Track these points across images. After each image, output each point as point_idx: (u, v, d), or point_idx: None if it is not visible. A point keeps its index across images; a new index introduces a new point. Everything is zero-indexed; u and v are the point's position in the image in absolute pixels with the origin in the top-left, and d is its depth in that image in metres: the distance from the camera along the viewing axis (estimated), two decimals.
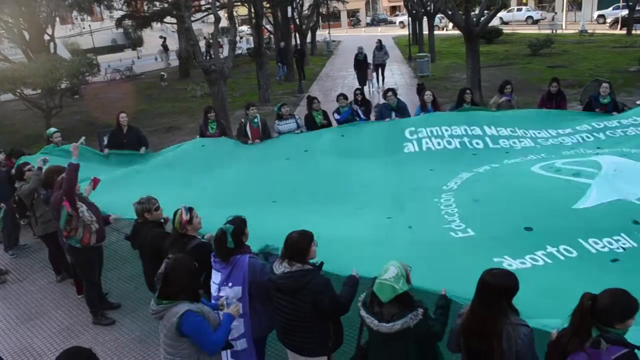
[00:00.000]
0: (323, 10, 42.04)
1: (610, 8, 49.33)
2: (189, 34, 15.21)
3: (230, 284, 4.52)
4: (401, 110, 10.24)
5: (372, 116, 11.23)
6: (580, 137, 8.91)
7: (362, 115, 10.65)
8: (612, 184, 6.60)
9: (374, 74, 22.19)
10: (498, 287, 3.42)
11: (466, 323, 3.55)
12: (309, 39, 36.52)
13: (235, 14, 17.16)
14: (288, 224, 5.07)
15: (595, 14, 52.24)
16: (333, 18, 62.60)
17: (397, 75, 25.87)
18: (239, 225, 4.53)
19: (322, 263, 4.39)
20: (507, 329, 3.36)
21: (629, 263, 5.11)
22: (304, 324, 4.28)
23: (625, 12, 40.64)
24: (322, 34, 45.48)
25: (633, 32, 37.68)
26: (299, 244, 4.22)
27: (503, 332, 3.36)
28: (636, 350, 3.15)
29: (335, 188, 7.69)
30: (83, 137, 6.89)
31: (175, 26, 29.27)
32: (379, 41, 22.43)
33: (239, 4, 25.23)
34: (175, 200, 5.99)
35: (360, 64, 21.39)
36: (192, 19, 19.26)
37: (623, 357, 3.09)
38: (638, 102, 9.69)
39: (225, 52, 23.51)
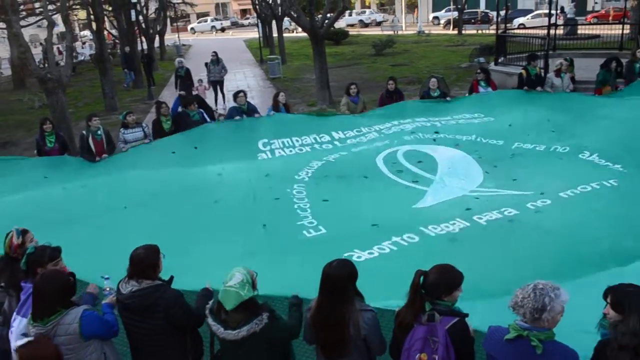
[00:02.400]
0: (171, 13, 40.88)
1: (443, 10, 53.57)
2: (18, 40, 13.96)
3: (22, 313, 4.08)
4: (251, 113, 10.25)
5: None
6: (419, 124, 9.84)
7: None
8: (446, 187, 7.35)
9: (207, 92, 17.75)
10: (339, 276, 3.55)
11: (315, 315, 3.64)
12: (157, 44, 35.30)
13: (75, 17, 16.07)
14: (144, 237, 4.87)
15: (431, 16, 56.40)
16: (183, 21, 61.22)
17: (249, 77, 25.95)
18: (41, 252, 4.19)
19: (172, 277, 4.24)
20: (353, 317, 3.50)
21: (463, 239, 5.70)
22: (158, 341, 4.10)
23: (456, 14, 44.37)
24: (171, 38, 44.17)
25: (463, 32, 41.28)
26: (146, 260, 3.99)
27: (350, 320, 3.49)
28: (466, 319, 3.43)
29: (191, 185, 7.57)
30: None
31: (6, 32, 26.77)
32: (215, 54, 18.29)
33: (77, 7, 23.71)
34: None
35: (183, 82, 17.09)
36: (25, 23, 17.72)
37: (455, 326, 3.36)
38: (448, 99, 10.83)
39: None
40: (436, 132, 9.38)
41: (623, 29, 19.06)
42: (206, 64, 18.23)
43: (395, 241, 5.70)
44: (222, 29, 63.24)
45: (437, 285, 3.41)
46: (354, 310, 3.53)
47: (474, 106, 10.65)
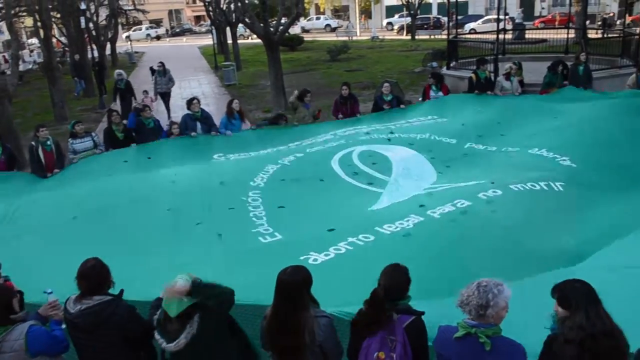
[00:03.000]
0: (122, 20, 40.13)
1: (397, 16, 54.38)
2: None
3: None
4: (205, 120, 10.14)
5: None
6: (374, 128, 9.99)
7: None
8: (401, 189, 7.43)
9: (154, 103, 16.26)
10: (293, 283, 3.54)
11: (271, 322, 3.61)
12: (108, 51, 34.57)
13: (21, 25, 15.58)
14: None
15: (385, 21, 57.15)
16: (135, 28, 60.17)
17: (204, 84, 25.70)
18: None
19: (122, 291, 4.12)
20: (309, 323, 3.49)
21: (417, 234, 5.77)
22: (111, 358, 3.98)
23: (409, 19, 45.10)
24: (123, 45, 43.38)
25: (416, 37, 41.97)
26: (95, 274, 3.84)
27: (306, 326, 3.48)
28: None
29: (143, 195, 7.39)
30: None
31: None
32: (161, 64, 17.29)
33: (24, 14, 23.01)
34: None
35: (123, 95, 16.27)
36: None
37: (412, 324, 3.42)
38: (402, 106, 11.04)
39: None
40: (391, 132, 9.49)
41: (568, 33, 19.72)
42: (151, 69, 17.56)
43: (351, 241, 5.73)
44: (157, 37, 62.05)
45: (395, 289, 3.46)
46: (309, 317, 3.51)
47: (427, 110, 10.87)
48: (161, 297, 4.18)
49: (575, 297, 3.14)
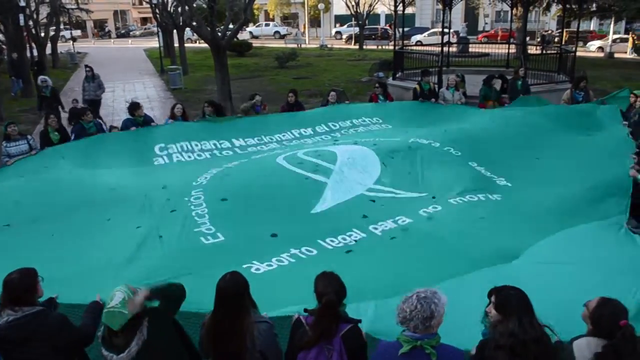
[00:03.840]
0: (64, 19, 38.87)
1: (346, 25, 55.04)
2: None
3: None
4: (147, 125, 9.89)
5: None
6: (319, 138, 10.03)
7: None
8: (345, 181, 7.46)
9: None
10: (233, 289, 3.51)
11: (211, 329, 3.54)
12: (49, 50, 33.38)
13: None
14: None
15: (333, 30, 57.70)
16: (78, 28, 58.42)
17: (149, 88, 25.19)
18: None
19: (53, 299, 3.96)
20: (250, 329, 3.46)
21: (359, 251, 5.82)
22: None
23: (357, 29, 45.69)
24: (65, 45, 42.02)
25: (364, 47, 42.57)
26: (22, 284, 3.66)
27: (247, 332, 3.45)
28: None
29: (81, 200, 7.10)
30: None
31: None
32: (89, 69, 15.55)
33: None
34: None
35: (49, 103, 14.18)
36: None
37: (349, 332, 3.43)
38: (347, 102, 11.17)
39: None
40: (335, 141, 9.56)
41: (509, 48, 20.44)
42: (86, 67, 16.25)
43: (293, 253, 5.72)
44: (74, 39, 60.11)
45: (339, 295, 3.48)
46: (250, 323, 3.49)
47: (373, 112, 11.05)
48: (97, 300, 4.08)
49: (510, 303, 3.24)
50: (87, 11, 39.80)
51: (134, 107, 9.99)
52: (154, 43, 36.11)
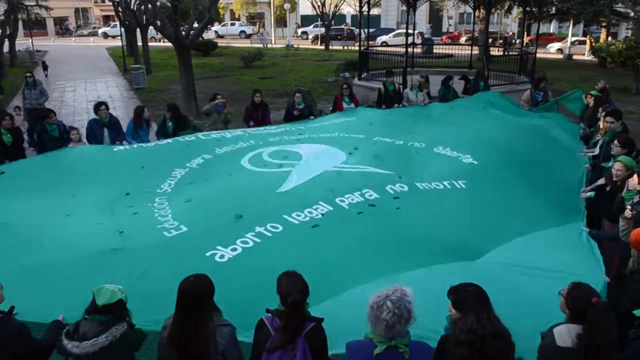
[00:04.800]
0: (22, 16, 37.83)
1: (312, 26, 55.12)
2: None
3: None
4: (113, 126, 9.60)
5: None
6: (283, 129, 10.04)
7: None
8: (310, 166, 7.48)
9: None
10: (197, 292, 3.46)
11: (174, 333, 3.48)
12: (6, 48, 32.43)
13: None
14: None
15: (300, 30, 57.71)
16: (38, 26, 56.97)
17: (112, 87, 24.73)
18: None
19: (12, 307, 3.85)
20: (213, 332, 3.43)
21: (326, 225, 5.74)
22: None
23: (323, 30, 45.81)
24: (24, 43, 40.91)
25: (330, 47, 42.70)
26: None
27: (210, 335, 3.41)
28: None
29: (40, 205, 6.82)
30: None
31: None
32: (31, 75, 14.44)
33: None
34: None
35: None
36: None
37: (312, 331, 3.44)
38: (312, 117, 11.17)
39: None
40: (300, 135, 9.55)
41: (472, 49, 20.79)
42: (43, 64, 15.74)
43: (259, 232, 5.55)
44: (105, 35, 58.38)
45: (304, 294, 3.49)
46: (213, 326, 3.46)
47: (336, 117, 11.09)
48: (60, 319, 3.98)
49: (468, 300, 3.30)
50: (46, 8, 38.81)
51: (97, 107, 9.66)
52: (116, 42, 35.47)
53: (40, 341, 3.81)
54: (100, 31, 61.31)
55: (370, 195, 6.41)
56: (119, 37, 31.80)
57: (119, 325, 3.53)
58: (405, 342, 3.20)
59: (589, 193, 6.96)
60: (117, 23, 38.39)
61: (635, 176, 5.76)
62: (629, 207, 5.28)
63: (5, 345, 3.58)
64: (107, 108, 9.79)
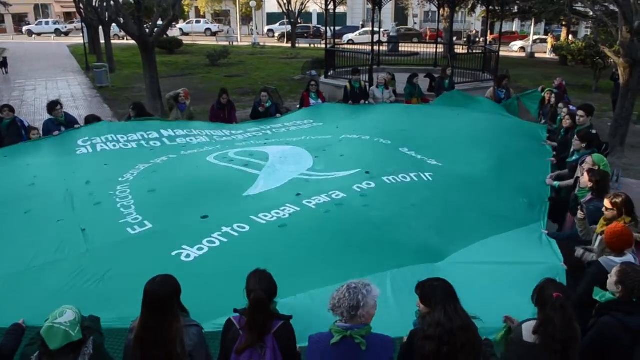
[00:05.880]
0: None
1: (278, 24, 54.95)
2: None
3: None
4: (70, 125, 9.37)
5: None
6: (250, 134, 9.90)
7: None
8: (277, 172, 7.38)
9: None
10: (163, 293, 3.41)
11: (140, 335, 3.42)
12: None
13: None
14: None
15: (266, 28, 57.48)
16: None
17: (74, 86, 24.19)
18: None
19: None
20: (180, 333, 3.38)
21: (293, 225, 5.73)
22: None
23: (289, 27, 45.72)
24: None
25: (296, 45, 42.64)
26: None
27: (177, 337, 3.36)
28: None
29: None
30: None
31: None
32: None
33: None
34: None
35: None
36: None
37: (281, 329, 3.44)
38: (278, 115, 11.16)
39: None
40: (267, 139, 9.49)
41: (437, 47, 21.03)
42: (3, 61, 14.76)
43: (225, 232, 5.50)
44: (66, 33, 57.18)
45: (268, 291, 3.47)
46: (180, 327, 3.41)
47: (304, 115, 11.06)
48: (20, 322, 3.86)
49: (435, 295, 3.34)
50: (4, 4, 37.75)
51: (51, 107, 9.37)
52: (78, 39, 34.68)
53: (5, 346, 3.68)
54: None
55: (337, 196, 6.42)
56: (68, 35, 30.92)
57: (87, 342, 3.34)
58: (363, 333, 3.21)
59: (555, 182, 7.13)
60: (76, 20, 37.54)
61: (585, 174, 5.92)
62: (580, 208, 5.42)
63: None
64: (62, 107, 9.59)
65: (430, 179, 7.14)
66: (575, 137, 7.23)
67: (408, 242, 5.54)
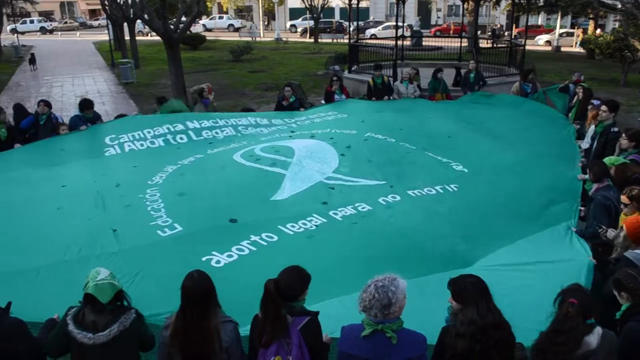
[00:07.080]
0: (7, 10, 37.41)
1: (300, 19, 54.91)
2: None
3: None
4: (95, 122, 9.53)
5: None
6: (275, 128, 9.93)
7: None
8: (304, 170, 7.47)
9: None
10: (201, 289, 3.44)
11: (178, 331, 3.44)
12: None
13: None
14: None
15: (288, 23, 57.50)
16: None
17: (100, 82, 24.50)
18: None
19: (9, 303, 3.79)
20: (217, 328, 3.42)
21: (320, 236, 5.81)
22: None
23: (312, 23, 45.67)
24: (9, 38, 40.44)
25: (319, 40, 42.57)
26: None
27: (215, 332, 3.40)
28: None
29: (30, 197, 6.85)
30: None
31: None
32: None
33: None
34: None
35: None
36: None
37: (307, 325, 3.42)
38: (302, 109, 11.16)
39: None
40: (292, 132, 9.54)
41: (461, 42, 20.80)
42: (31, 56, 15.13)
43: (254, 240, 5.61)
44: (51, 31, 56.80)
45: (292, 288, 3.46)
46: (218, 322, 3.44)
47: (328, 109, 11.09)
48: (55, 317, 3.93)
49: (468, 292, 3.32)
50: (31, 2, 38.41)
51: (85, 105, 9.59)
52: (103, 36, 35.08)
53: (37, 339, 3.74)
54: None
55: (363, 208, 6.49)
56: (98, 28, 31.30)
57: (127, 314, 3.49)
58: (394, 327, 3.19)
59: (586, 176, 7.03)
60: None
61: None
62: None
63: (2, 341, 3.51)
64: (93, 107, 9.84)
65: (456, 189, 7.12)
66: (624, 135, 7.00)
67: (435, 250, 5.56)
